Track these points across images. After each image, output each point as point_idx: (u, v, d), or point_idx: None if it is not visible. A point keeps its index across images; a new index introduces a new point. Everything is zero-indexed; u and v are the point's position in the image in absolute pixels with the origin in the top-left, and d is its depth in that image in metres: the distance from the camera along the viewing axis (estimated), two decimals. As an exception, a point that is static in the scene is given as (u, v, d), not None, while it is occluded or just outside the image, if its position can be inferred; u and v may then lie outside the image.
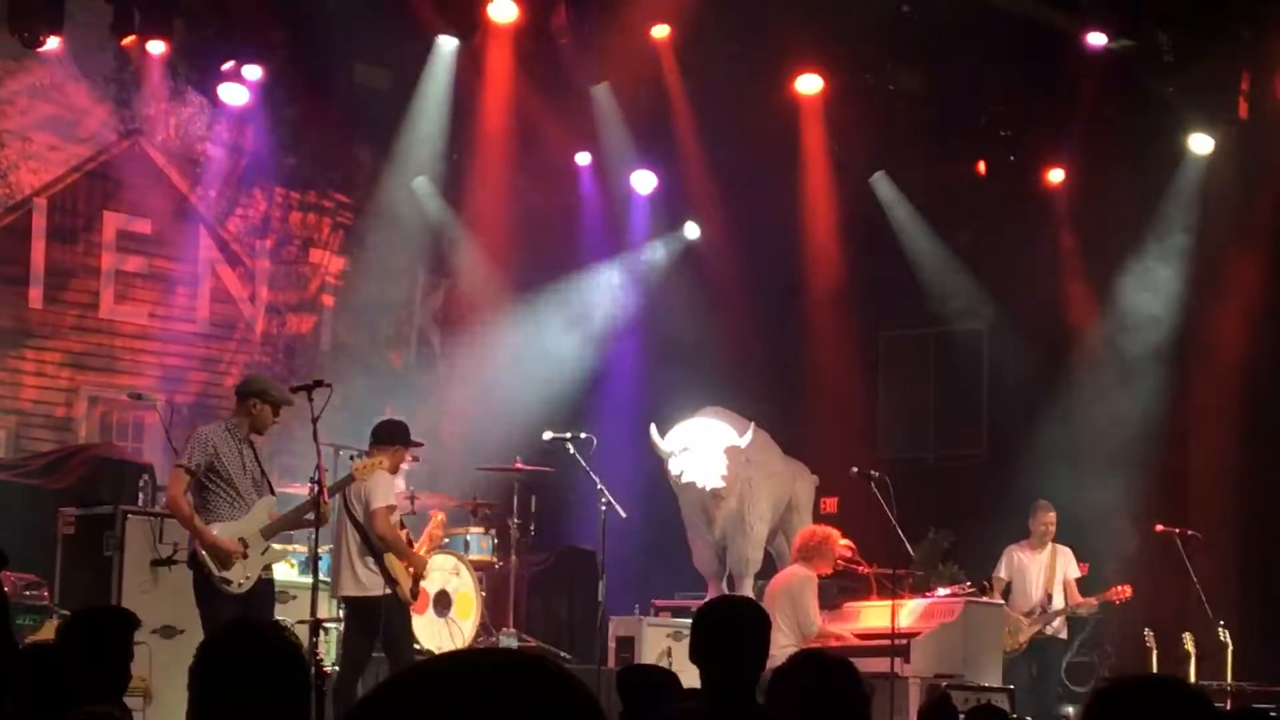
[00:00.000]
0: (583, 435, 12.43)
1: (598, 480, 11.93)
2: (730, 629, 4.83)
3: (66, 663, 5.19)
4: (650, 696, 5.45)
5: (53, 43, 13.44)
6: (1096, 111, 14.83)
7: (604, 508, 11.88)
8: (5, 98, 13.90)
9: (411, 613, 10.77)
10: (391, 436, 10.66)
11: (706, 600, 5.22)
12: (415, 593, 10.64)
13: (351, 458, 11.00)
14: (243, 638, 4.04)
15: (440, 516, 12.11)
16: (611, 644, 13.07)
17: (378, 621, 10.32)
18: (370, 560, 10.37)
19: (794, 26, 14.42)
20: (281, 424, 10.43)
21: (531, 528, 13.38)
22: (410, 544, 10.83)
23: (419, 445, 10.94)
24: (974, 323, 17.06)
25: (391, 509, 10.45)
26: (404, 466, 11.50)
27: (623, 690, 6.23)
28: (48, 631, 9.89)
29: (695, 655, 4.82)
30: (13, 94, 13.91)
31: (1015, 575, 13.54)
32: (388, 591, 10.35)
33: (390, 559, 10.37)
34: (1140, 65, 14.48)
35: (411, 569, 10.53)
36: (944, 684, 11.30)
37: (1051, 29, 14.35)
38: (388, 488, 10.47)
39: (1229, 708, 11.16)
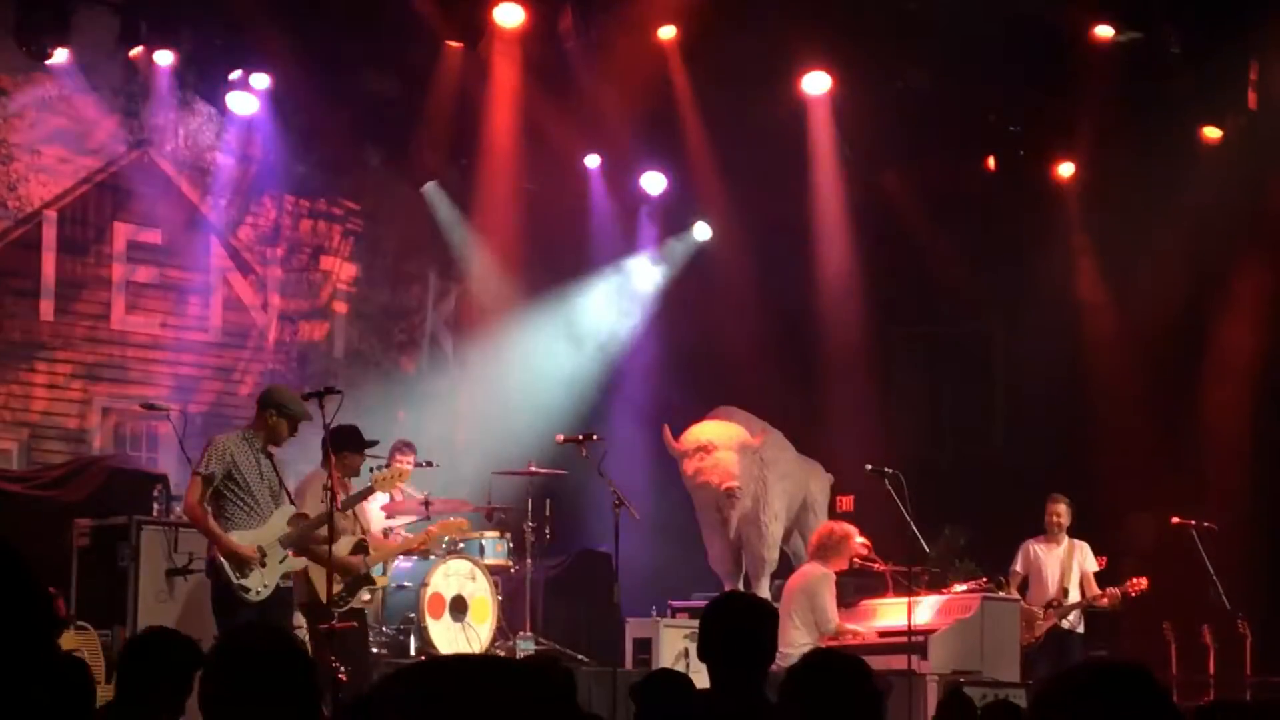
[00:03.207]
0: (595, 437, 12.43)
1: (611, 482, 11.92)
2: (737, 626, 4.85)
3: (124, 685, 5.08)
4: (664, 702, 5.44)
5: (60, 55, 13.46)
6: (1106, 105, 14.81)
7: (618, 510, 11.87)
8: (14, 111, 13.91)
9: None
10: (341, 444, 10.53)
11: (714, 598, 5.23)
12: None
13: (371, 469, 10.99)
14: (254, 641, 4.04)
15: (435, 530, 12.12)
16: (629, 646, 13.06)
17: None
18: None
19: (801, 25, 14.41)
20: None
21: (546, 531, 13.36)
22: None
23: (373, 444, 10.91)
24: (986, 318, 17.04)
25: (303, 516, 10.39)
26: (407, 469, 11.47)
27: (635, 697, 6.22)
28: (66, 643, 9.89)
29: (703, 653, 4.87)
30: (21, 107, 13.92)
31: (1031, 569, 13.51)
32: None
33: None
34: (1149, 58, 14.47)
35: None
36: (960, 679, 11.28)
37: (1060, 23, 14.33)
38: (314, 495, 10.41)
39: (1248, 699, 11.12)
